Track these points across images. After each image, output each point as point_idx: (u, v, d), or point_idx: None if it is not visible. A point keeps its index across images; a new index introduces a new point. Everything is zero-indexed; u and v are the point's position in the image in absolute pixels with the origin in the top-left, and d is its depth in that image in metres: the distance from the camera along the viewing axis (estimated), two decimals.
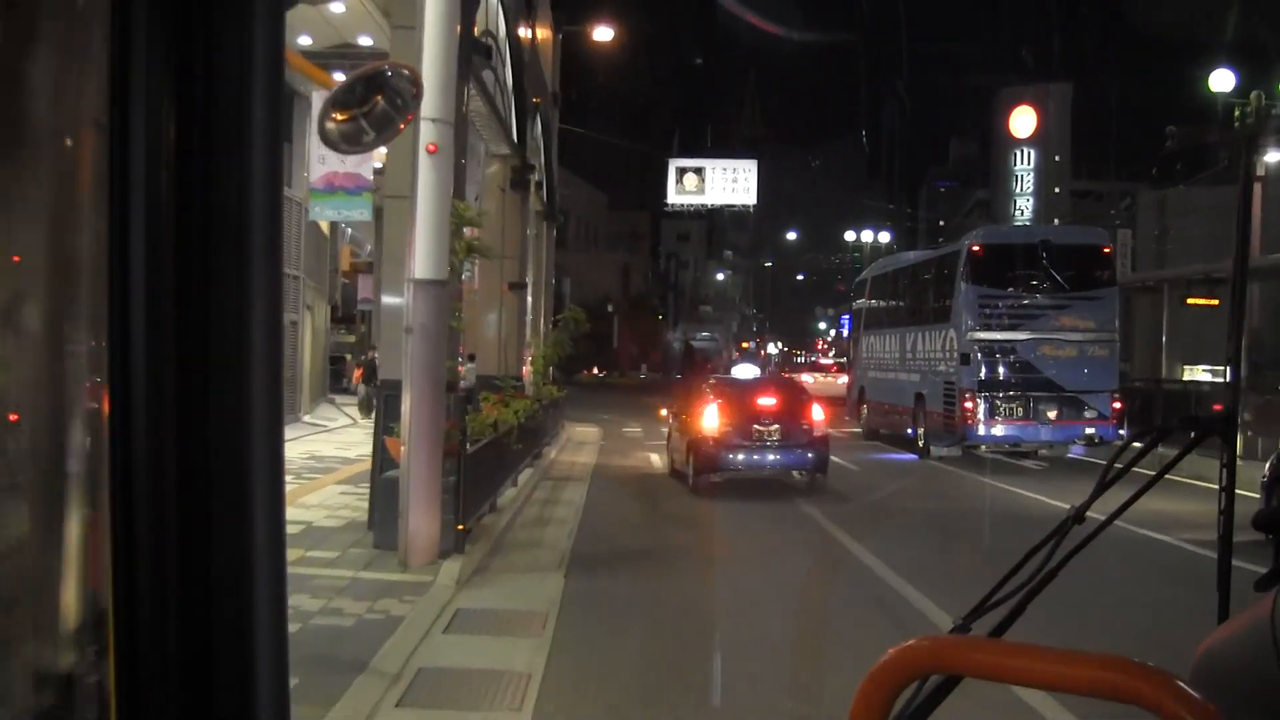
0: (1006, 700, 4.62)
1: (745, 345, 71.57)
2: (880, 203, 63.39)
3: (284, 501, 0.85)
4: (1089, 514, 1.27)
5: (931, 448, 17.93)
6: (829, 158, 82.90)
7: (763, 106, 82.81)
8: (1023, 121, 47.21)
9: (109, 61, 0.78)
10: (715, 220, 70.25)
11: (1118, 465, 1.34)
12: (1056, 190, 46.75)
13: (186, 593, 0.79)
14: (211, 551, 0.80)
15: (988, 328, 16.50)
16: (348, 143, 2.61)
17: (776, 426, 12.90)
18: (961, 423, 16.40)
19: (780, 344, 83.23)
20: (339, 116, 2.51)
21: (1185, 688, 0.79)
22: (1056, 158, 47.03)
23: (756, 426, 12.90)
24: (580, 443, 19.95)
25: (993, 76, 56.58)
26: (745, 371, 16.37)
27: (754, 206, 56.21)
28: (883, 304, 22.72)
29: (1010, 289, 16.67)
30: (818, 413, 13.38)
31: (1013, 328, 16.50)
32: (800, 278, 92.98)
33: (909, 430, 19.21)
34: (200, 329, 0.80)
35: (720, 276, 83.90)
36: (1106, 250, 17.12)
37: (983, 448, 17.09)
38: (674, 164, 53.88)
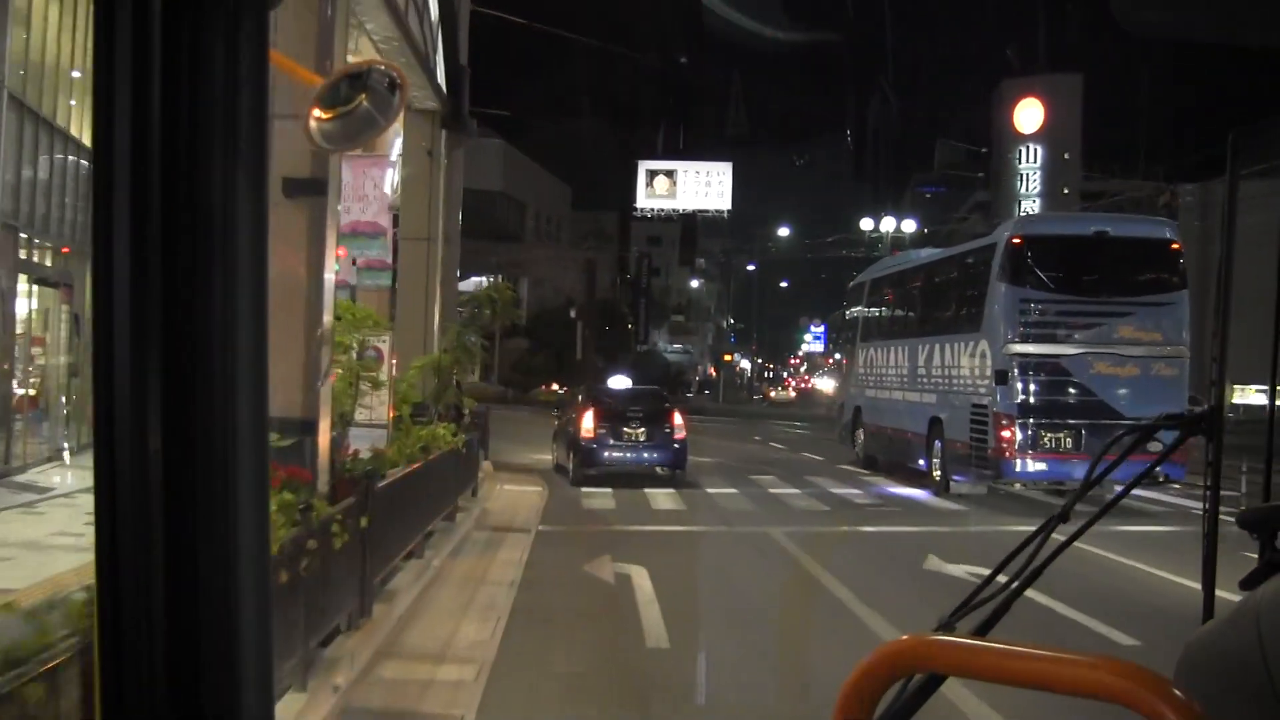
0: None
1: (728, 358, 69.67)
2: (866, 205, 61.16)
3: (268, 500, 0.89)
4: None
5: (951, 483, 15.66)
6: (814, 158, 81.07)
7: (747, 106, 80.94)
8: (1028, 115, 45.43)
9: (94, 60, 0.82)
10: (688, 225, 68.63)
11: (1103, 464, 1.47)
12: (1065, 191, 44.96)
13: (172, 593, 0.83)
14: (197, 552, 0.84)
15: (1030, 339, 14.18)
16: (330, 141, 2.75)
17: (644, 429, 16.47)
18: (995, 455, 14.06)
19: (758, 358, 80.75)
20: (323, 115, 2.62)
21: (1171, 687, 0.84)
22: (1065, 155, 45.27)
23: (627, 429, 16.41)
24: (497, 532, 11.37)
25: (983, 77, 55.02)
26: (619, 383, 20.40)
27: (728, 212, 54.68)
28: (886, 312, 20.61)
29: (1058, 292, 14.35)
30: (678, 418, 16.98)
31: (1061, 340, 14.20)
32: (784, 284, 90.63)
33: (920, 461, 17.04)
34: (185, 328, 0.83)
35: (695, 284, 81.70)
36: (1175, 245, 14.79)
37: (1017, 485, 14.76)
38: (644, 166, 52.72)
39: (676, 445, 16.56)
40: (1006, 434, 13.95)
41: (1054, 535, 1.35)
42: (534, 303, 56.08)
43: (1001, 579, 1.34)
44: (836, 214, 65.06)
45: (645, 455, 16.54)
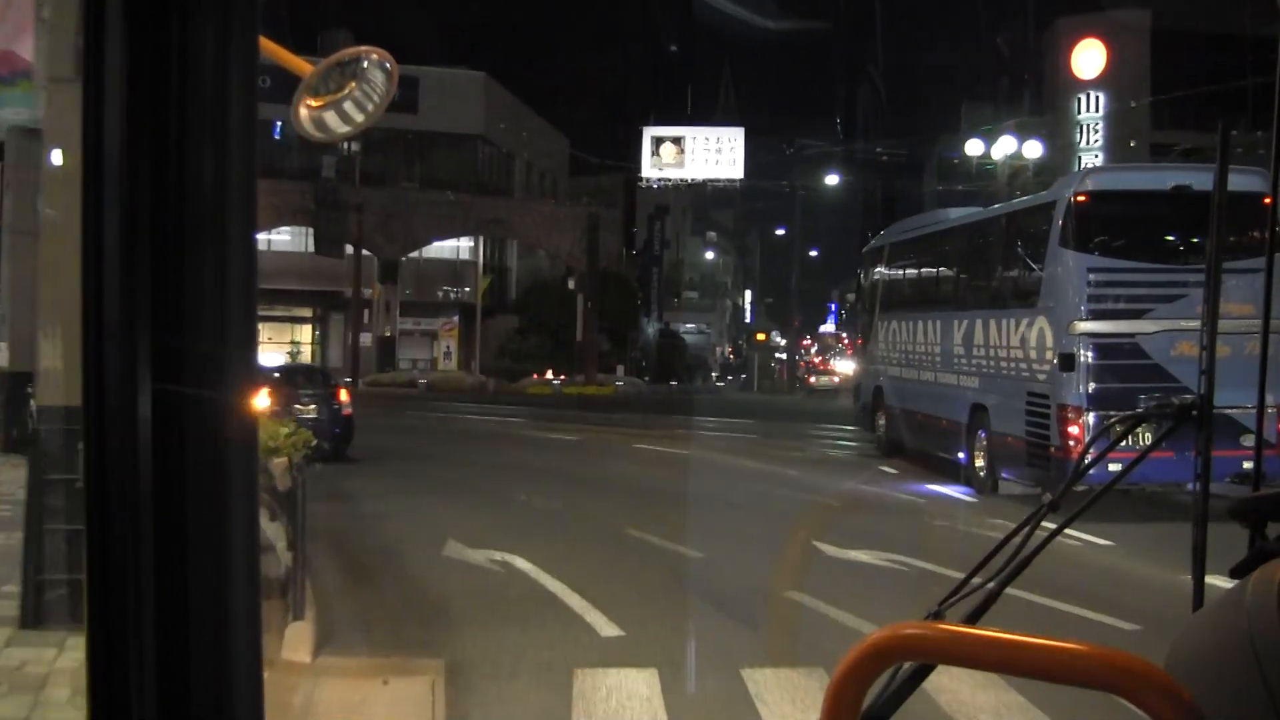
0: None
1: (762, 337, 68.98)
2: (872, 186, 59.23)
3: (257, 499, 0.94)
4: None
5: (999, 481, 14.95)
6: (806, 144, 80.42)
7: (739, 92, 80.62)
8: (1088, 59, 44.22)
9: (83, 50, 0.88)
10: (698, 195, 68.29)
11: (1092, 452, 1.71)
12: (1132, 144, 43.90)
13: (163, 591, 0.88)
14: (187, 551, 0.89)
15: (1102, 315, 13.29)
16: (320, 130, 2.89)
17: (314, 406, 18.07)
18: (1060, 454, 13.21)
19: (782, 339, 79.66)
20: (313, 103, 2.81)
21: (1163, 674, 0.92)
22: (1132, 103, 44.14)
23: (298, 407, 17.55)
24: None
25: (1018, 25, 53.61)
26: (270, 361, 22.46)
27: (741, 181, 54.55)
28: (915, 279, 19.94)
29: (1132, 258, 13.43)
30: (344, 395, 19.09)
31: (1136, 316, 13.26)
32: (814, 254, 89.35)
33: (959, 454, 16.32)
34: (175, 317, 0.88)
35: (710, 255, 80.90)
36: (1269, 200, 13.80)
37: (1081, 487, 13.91)
38: (650, 132, 53.24)
39: (344, 421, 18.69)
40: (1073, 429, 13.07)
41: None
42: (524, 273, 53.80)
43: (991, 568, 1.47)
44: (841, 199, 63.93)
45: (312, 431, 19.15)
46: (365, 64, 2.85)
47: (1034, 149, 37.16)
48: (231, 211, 0.90)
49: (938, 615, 1.34)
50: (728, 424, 29.10)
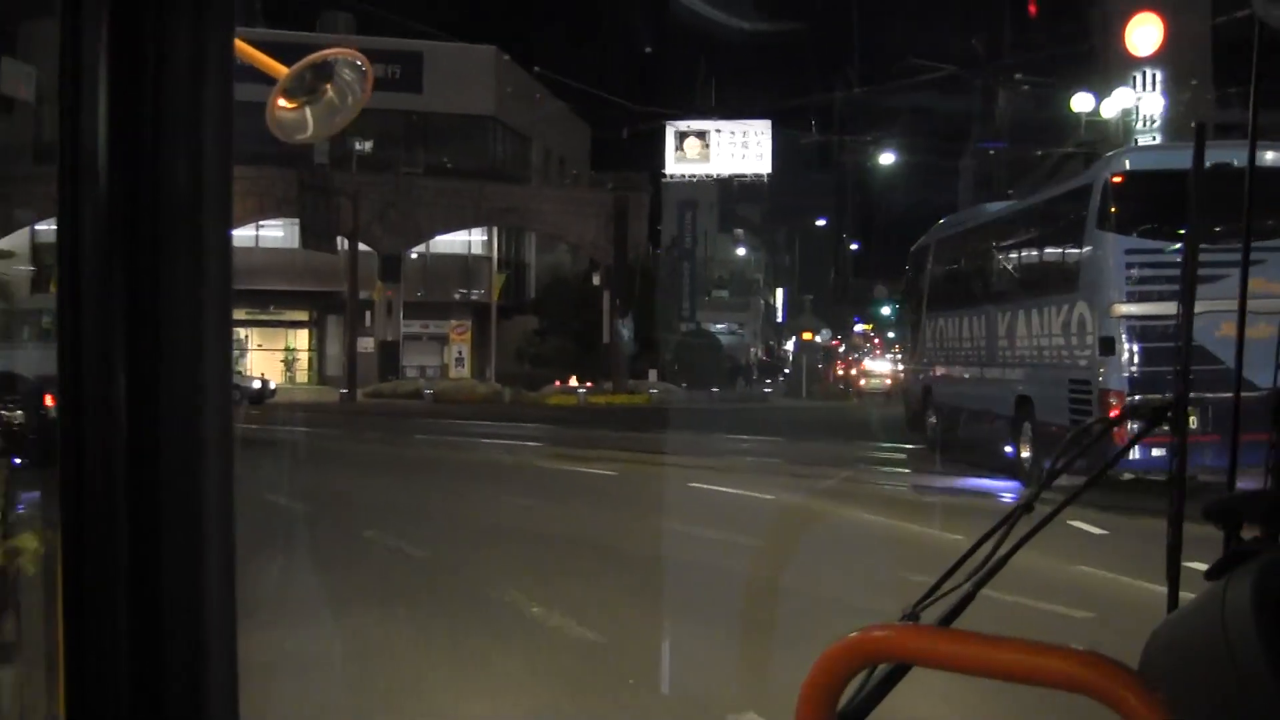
0: None
1: (809, 335, 70.11)
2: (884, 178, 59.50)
3: (232, 497, 0.97)
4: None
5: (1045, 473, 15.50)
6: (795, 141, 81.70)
7: (722, 94, 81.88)
8: (1144, 35, 44.13)
9: (60, 46, 0.92)
10: (725, 191, 69.24)
11: (1068, 454, 1.77)
12: (1194, 125, 43.85)
13: (137, 594, 0.92)
14: (162, 547, 0.93)
15: (1142, 298, 13.89)
16: (293, 132, 2.96)
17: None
18: (1101, 440, 13.80)
19: (834, 336, 79.97)
20: (287, 105, 2.86)
21: (1136, 677, 0.96)
22: (1194, 81, 44.22)
23: None
24: None
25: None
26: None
27: (769, 175, 55.17)
28: (959, 275, 20.85)
29: (1172, 239, 14.04)
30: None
31: (1178, 296, 13.87)
32: (855, 248, 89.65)
33: (1007, 448, 17.02)
34: (151, 318, 0.93)
35: (740, 252, 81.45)
36: None
37: (1126, 475, 14.55)
38: (672, 127, 53.72)
39: None
40: (1115, 415, 13.68)
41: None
42: (543, 269, 52.50)
43: (966, 569, 1.51)
44: (880, 192, 64.36)
45: None
46: (337, 64, 3.00)
47: (1155, 102, 35.06)
48: (207, 209, 0.95)
49: (913, 616, 1.42)
50: (796, 448, 23.36)
